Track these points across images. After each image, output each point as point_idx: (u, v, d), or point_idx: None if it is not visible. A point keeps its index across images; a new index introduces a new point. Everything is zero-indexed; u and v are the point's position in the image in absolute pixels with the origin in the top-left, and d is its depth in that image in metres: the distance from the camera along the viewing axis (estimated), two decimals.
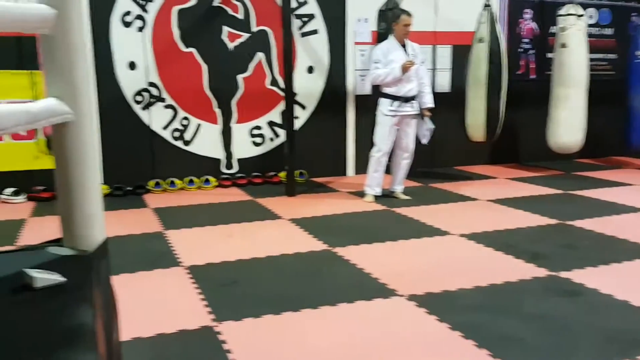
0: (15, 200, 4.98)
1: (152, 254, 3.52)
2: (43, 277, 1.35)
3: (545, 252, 3.44)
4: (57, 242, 1.72)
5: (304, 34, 5.94)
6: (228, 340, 2.27)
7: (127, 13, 5.30)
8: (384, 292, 2.82)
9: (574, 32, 5.91)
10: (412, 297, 2.75)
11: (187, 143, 5.72)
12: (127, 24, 5.31)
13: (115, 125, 5.29)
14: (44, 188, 5.07)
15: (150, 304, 2.71)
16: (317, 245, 3.64)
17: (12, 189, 5.02)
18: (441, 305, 2.65)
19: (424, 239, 3.80)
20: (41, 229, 4.07)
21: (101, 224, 1.76)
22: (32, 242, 3.45)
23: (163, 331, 2.37)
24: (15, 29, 1.71)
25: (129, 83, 5.39)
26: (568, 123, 5.98)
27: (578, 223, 4.13)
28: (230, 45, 5.70)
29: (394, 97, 4.78)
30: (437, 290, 2.85)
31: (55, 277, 1.37)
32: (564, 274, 3.06)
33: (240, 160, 5.95)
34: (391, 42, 4.83)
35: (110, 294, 1.72)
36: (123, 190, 5.29)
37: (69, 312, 1.24)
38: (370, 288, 2.88)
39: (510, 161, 6.95)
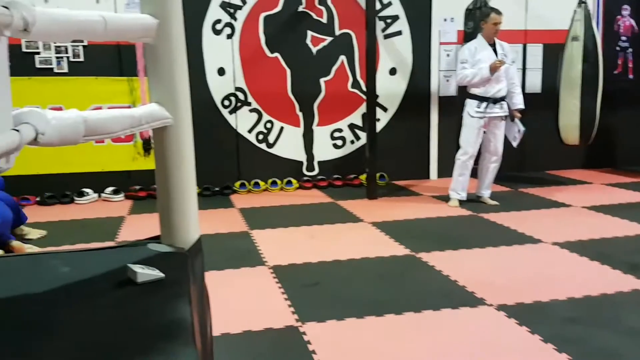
0: (115, 198, 5.34)
1: (239, 252, 3.63)
2: (145, 273, 1.42)
3: None
4: (156, 239, 1.82)
5: (387, 36, 5.90)
6: (312, 341, 2.29)
7: (218, 21, 5.52)
8: (472, 300, 2.73)
9: None
10: (501, 307, 2.64)
11: (270, 145, 5.86)
12: (217, 32, 5.53)
13: (204, 129, 5.51)
14: (140, 187, 5.39)
15: (237, 301, 2.79)
16: (400, 250, 3.59)
17: (112, 188, 5.38)
18: (533, 316, 2.53)
19: (514, 246, 3.64)
20: (138, 226, 4.33)
21: (196, 223, 1.84)
22: (131, 237, 3.70)
23: (250, 328, 2.44)
24: (122, 38, 1.82)
25: (218, 88, 5.61)
26: None
27: None
28: (314, 49, 5.78)
29: (482, 98, 4.63)
30: (528, 300, 2.71)
31: (155, 273, 1.44)
32: None
33: (321, 163, 6.00)
34: (479, 41, 4.68)
35: (205, 290, 1.79)
36: (211, 190, 5.51)
37: (168, 307, 1.29)
38: (457, 296, 2.79)
39: (605, 166, 6.51)
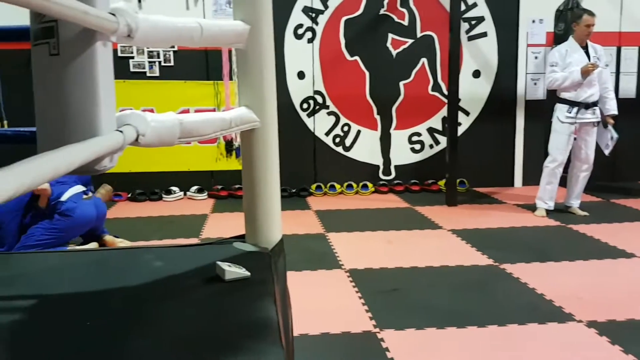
0: (199, 197, 5.56)
1: (316, 254, 3.66)
2: (232, 271, 1.46)
3: None
4: (240, 238, 1.86)
5: (471, 37, 5.74)
6: (391, 349, 2.26)
7: (300, 26, 5.60)
8: (560, 316, 2.58)
9: None
10: (591, 324, 2.47)
11: (347, 149, 5.87)
12: (298, 36, 5.62)
13: (283, 131, 5.57)
14: (222, 187, 5.58)
15: (315, 303, 2.81)
16: (482, 260, 3.47)
17: (196, 187, 5.61)
18: (626, 334, 2.35)
19: (606, 260, 3.41)
20: (220, 224, 4.49)
21: (279, 224, 1.87)
22: (213, 235, 3.82)
23: (328, 331, 2.44)
24: (216, 43, 1.88)
25: (297, 91, 5.70)
26: None
27: None
28: (394, 52, 5.72)
29: (572, 103, 4.38)
30: (620, 317, 2.53)
31: (242, 272, 1.47)
32: None
33: (398, 167, 5.94)
34: (571, 43, 4.44)
35: (287, 290, 1.82)
36: (288, 192, 5.60)
37: (255, 305, 1.31)
38: (544, 310, 2.65)
39: None
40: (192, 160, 5.62)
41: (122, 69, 5.36)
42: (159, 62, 5.46)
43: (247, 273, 1.46)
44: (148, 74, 5.46)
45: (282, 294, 1.64)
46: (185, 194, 5.63)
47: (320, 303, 2.81)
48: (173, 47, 5.45)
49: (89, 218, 3.31)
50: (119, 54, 5.39)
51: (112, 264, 1.61)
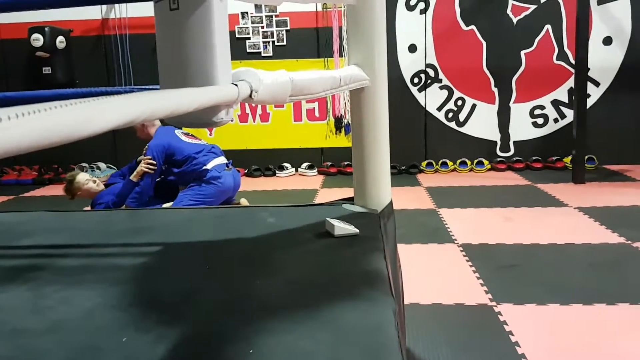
0: (309, 173, 5.67)
1: (427, 228, 3.56)
2: (342, 227, 1.46)
3: None
4: (350, 200, 1.86)
5: (601, 1, 5.21)
6: (510, 322, 2.13)
7: None
8: None
9: None
10: None
11: (460, 124, 5.64)
12: (410, 8, 5.47)
13: (393, 107, 5.50)
14: (331, 164, 5.65)
15: (426, 274, 2.74)
16: (613, 238, 3.16)
17: (307, 164, 5.73)
18: None
19: None
20: (330, 198, 4.52)
21: (388, 187, 1.83)
22: None
23: (440, 301, 2.37)
24: (329, 0, 1.86)
25: (408, 66, 5.56)
26: None
27: None
28: (514, 19, 5.36)
29: None
30: None
31: (351, 228, 1.47)
32: None
33: (517, 143, 5.59)
34: None
35: (396, 250, 1.78)
36: (398, 168, 5.51)
37: (364, 259, 1.30)
38: None
39: None
40: (303, 137, 5.74)
41: (239, 50, 5.58)
42: (273, 42, 5.61)
43: (356, 230, 1.45)
44: (263, 54, 5.64)
45: (391, 253, 1.61)
46: (296, 170, 5.77)
47: (431, 275, 2.74)
48: (286, 26, 5.57)
49: (228, 187, 3.52)
50: (236, 36, 5.61)
51: (233, 219, 1.71)
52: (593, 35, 5.17)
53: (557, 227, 3.44)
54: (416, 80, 5.59)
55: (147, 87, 1.90)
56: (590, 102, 5.22)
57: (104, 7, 5.61)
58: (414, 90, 5.61)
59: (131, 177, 3.39)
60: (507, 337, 2.01)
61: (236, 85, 1.11)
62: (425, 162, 5.60)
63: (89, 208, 3.44)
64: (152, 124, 3.50)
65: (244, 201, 3.85)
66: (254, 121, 5.77)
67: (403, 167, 5.56)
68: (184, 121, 1.14)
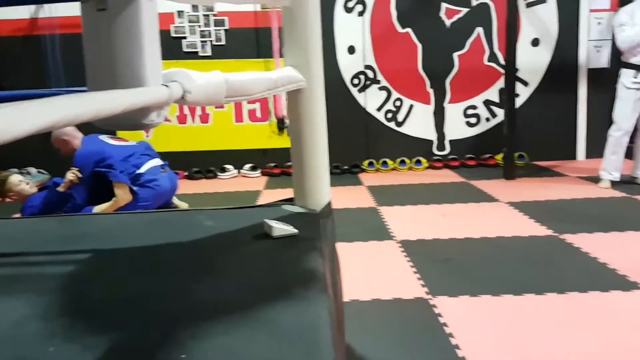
0: (252, 174, 5.64)
1: (367, 226, 3.64)
2: (280, 228, 1.48)
3: None
4: (289, 201, 1.88)
5: (529, 4, 5.48)
6: (444, 314, 2.22)
7: None
8: (624, 284, 2.45)
9: None
10: None
11: (399, 124, 5.77)
12: (348, 10, 5.55)
13: (333, 108, 5.56)
14: (275, 165, 5.64)
15: (365, 271, 2.80)
16: (541, 231, 3.34)
17: (249, 165, 5.70)
18: None
19: None
20: (273, 199, 4.52)
21: (327, 187, 1.86)
22: None
23: (379, 297, 2.43)
24: (261, 1, 1.87)
25: (348, 67, 5.64)
26: None
27: None
28: (447, 22, 5.55)
29: (639, 67, 4.11)
30: None
31: (290, 229, 1.49)
32: None
33: (452, 142, 5.79)
34: (638, 3, 4.15)
35: (335, 250, 1.81)
36: (340, 168, 5.59)
37: (302, 259, 1.32)
38: (606, 279, 2.53)
39: None
40: (245, 138, 5.70)
41: (175, 49, 5.48)
42: (211, 42, 5.55)
43: (295, 230, 1.47)
44: (200, 54, 5.56)
45: (330, 252, 1.64)
46: (239, 172, 5.73)
47: (371, 271, 2.80)
48: (224, 25, 5.51)
49: (165, 190, 3.44)
50: (172, 35, 5.51)
51: (170, 223, 1.68)
52: (521, 37, 5.44)
53: (489, 222, 3.60)
54: (356, 81, 5.68)
55: (73, 89, 1.83)
56: (519, 101, 5.48)
57: (32, 6, 5.36)
58: (354, 91, 5.70)
59: (58, 188, 3.29)
60: (441, 329, 2.09)
61: (167, 86, 1.11)
62: (367, 161, 5.71)
63: (19, 215, 3.30)
64: (74, 137, 3.39)
65: (182, 204, 3.79)
66: (194, 122, 5.68)
67: (345, 167, 5.64)
68: (112, 124, 1.12)
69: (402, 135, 5.78)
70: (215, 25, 5.52)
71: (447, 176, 5.26)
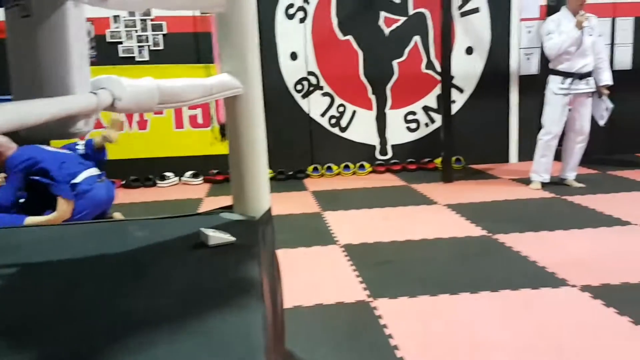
0: (194, 182, 5.55)
1: (311, 232, 3.66)
2: (216, 236, 1.46)
3: None
4: (228, 208, 1.86)
5: (463, 14, 5.70)
6: (384, 316, 2.26)
7: (291, 5, 5.56)
8: (553, 281, 2.59)
9: None
10: (585, 288, 2.48)
11: (343, 130, 5.85)
12: (290, 16, 5.58)
13: (278, 114, 5.60)
14: (217, 171, 5.57)
15: (309, 276, 2.82)
16: (476, 231, 3.47)
17: (191, 172, 5.60)
18: (620, 297, 2.36)
19: (601, 229, 3.41)
20: (216, 207, 4.46)
21: (267, 193, 1.86)
22: None
23: (321, 302, 2.45)
24: (195, 7, 1.85)
25: (290, 73, 5.66)
26: None
27: None
28: (386, 30, 5.68)
29: (566, 74, 4.35)
30: (615, 282, 2.53)
31: (226, 237, 1.48)
32: None
33: (394, 146, 5.92)
34: (564, 13, 4.40)
35: (275, 255, 1.82)
36: (285, 174, 5.59)
37: (238, 267, 1.32)
38: (537, 276, 2.65)
39: None
40: (186, 144, 5.60)
41: (111, 54, 5.33)
42: (148, 47, 5.43)
43: (232, 238, 1.46)
44: (137, 59, 5.43)
45: (269, 259, 1.64)
46: (180, 180, 5.62)
47: (314, 277, 2.82)
48: (162, 30, 5.41)
49: (101, 200, 3.33)
50: (108, 40, 5.35)
51: (103, 234, 1.63)
52: (456, 46, 5.64)
53: (427, 224, 3.71)
54: (299, 87, 5.71)
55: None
56: (455, 107, 5.68)
57: None
58: (297, 97, 5.73)
59: None
60: (381, 330, 2.14)
61: (95, 94, 1.08)
62: (312, 167, 5.74)
63: None
64: (8, 147, 3.25)
65: (117, 215, 3.68)
66: (131, 129, 5.53)
67: (290, 173, 5.65)
68: (38, 133, 1.08)
69: (345, 141, 5.86)
70: (153, 30, 5.41)
71: (390, 180, 5.37)
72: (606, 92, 4.46)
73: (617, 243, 3.14)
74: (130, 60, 5.41)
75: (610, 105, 4.47)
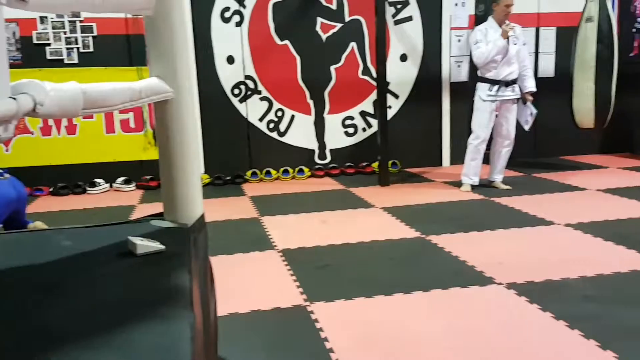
0: (126, 188, 5.38)
1: (249, 237, 3.64)
2: (144, 245, 1.43)
3: None
4: (159, 215, 1.82)
5: (397, 22, 5.85)
6: (320, 319, 2.29)
7: (226, 9, 5.51)
8: (481, 280, 2.70)
9: None
10: (511, 286, 2.60)
11: (282, 134, 5.85)
12: (226, 20, 5.53)
13: (215, 118, 5.54)
14: (151, 177, 5.42)
15: (246, 283, 2.80)
16: (410, 233, 3.57)
17: (123, 178, 5.42)
18: (543, 294, 2.49)
19: (526, 228, 3.59)
20: (149, 213, 4.35)
21: (199, 199, 1.83)
22: None
23: (258, 308, 2.44)
24: (121, 10, 1.80)
25: (228, 77, 5.61)
26: None
27: None
28: (324, 36, 5.74)
29: (493, 81, 4.57)
30: (539, 279, 2.68)
31: (155, 245, 1.44)
32: None
33: (333, 151, 5.98)
34: (490, 23, 4.62)
35: (207, 263, 1.79)
36: (222, 179, 5.52)
37: (167, 276, 1.29)
38: (466, 275, 2.76)
39: (622, 150, 6.39)
40: (117, 150, 5.42)
41: (38, 56, 5.09)
42: (78, 49, 5.22)
43: (161, 247, 1.43)
44: (66, 61, 5.21)
45: (201, 268, 1.61)
46: (111, 186, 5.43)
47: (251, 283, 2.80)
48: (92, 32, 5.22)
49: (8, 198, 3.13)
50: (35, 41, 5.11)
51: (24, 245, 1.55)
52: (391, 53, 5.78)
53: (365, 227, 3.78)
54: (236, 91, 5.67)
55: None
56: (391, 112, 5.82)
57: None
58: (235, 101, 5.68)
59: None
60: (317, 334, 2.16)
61: (15, 99, 1.03)
62: (250, 171, 5.70)
63: None
64: None
65: (39, 224, 3.49)
66: (59, 134, 5.29)
67: (228, 178, 5.58)
68: None
69: (284, 145, 5.86)
70: (82, 32, 5.21)
71: (328, 184, 5.42)
72: (530, 98, 4.72)
73: (540, 242, 3.31)
74: (58, 63, 5.19)
75: (534, 110, 4.73)
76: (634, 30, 6.27)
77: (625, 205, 4.07)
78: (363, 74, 5.88)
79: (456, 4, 5.86)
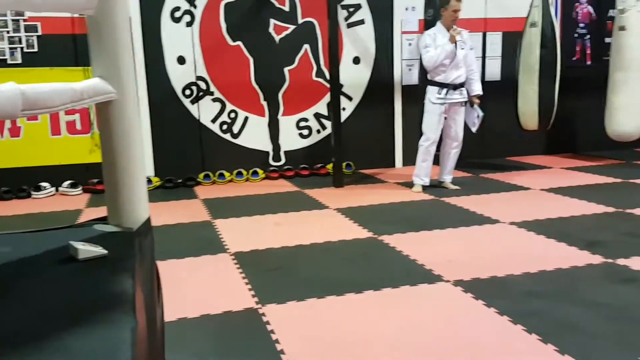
0: (72, 192, 5.21)
1: (200, 241, 3.59)
2: (86, 250, 1.40)
3: (601, 239, 3.28)
4: (103, 219, 1.78)
5: (350, 25, 5.91)
6: (272, 322, 2.29)
7: (177, 9, 5.43)
8: (430, 277, 2.77)
9: (634, 14, 5.59)
10: (458, 283, 2.68)
11: (235, 136, 5.81)
12: (176, 20, 5.45)
13: (165, 119, 5.45)
14: (98, 180, 5.27)
15: (196, 287, 2.77)
16: (363, 234, 3.62)
17: (69, 182, 5.25)
18: (488, 291, 2.58)
19: (473, 227, 3.70)
20: (96, 218, 4.23)
21: (145, 202, 1.80)
22: None
23: (208, 312, 2.41)
24: (62, 9, 1.75)
25: (178, 77, 5.53)
26: (627, 109, 5.67)
27: (638, 211, 3.91)
28: (277, 37, 5.74)
29: (442, 85, 4.69)
30: (484, 276, 2.77)
31: (98, 250, 1.41)
32: (621, 261, 2.91)
33: (287, 153, 5.99)
34: (439, 28, 4.73)
35: (153, 268, 1.76)
36: (173, 182, 5.43)
37: (109, 281, 1.27)
38: (416, 274, 2.83)
39: (566, 151, 6.68)
40: (63, 152, 5.25)
41: None
42: (21, 49, 5.03)
43: (104, 251, 1.40)
44: (9, 61, 5.01)
45: (146, 272, 1.59)
46: (57, 190, 5.25)
47: (201, 287, 2.77)
48: (36, 31, 5.04)
49: None
50: None
51: None
52: (344, 55, 5.84)
53: (318, 228, 3.80)
54: (188, 92, 5.59)
55: None
56: (345, 114, 5.88)
57: None
58: (186, 102, 5.60)
59: None
60: (268, 336, 2.16)
61: None
62: (202, 174, 5.63)
63: None
64: None
65: None
66: (2, 136, 5.07)
67: (180, 180, 5.49)
68: None
69: (238, 147, 5.82)
70: (26, 31, 5.02)
71: (283, 186, 5.42)
72: (477, 101, 4.87)
73: (487, 240, 3.43)
74: (1, 63, 4.98)
75: (481, 113, 4.88)
76: (575, 35, 6.57)
77: (567, 204, 4.26)
78: (317, 76, 5.91)
79: (407, 9, 5.98)
